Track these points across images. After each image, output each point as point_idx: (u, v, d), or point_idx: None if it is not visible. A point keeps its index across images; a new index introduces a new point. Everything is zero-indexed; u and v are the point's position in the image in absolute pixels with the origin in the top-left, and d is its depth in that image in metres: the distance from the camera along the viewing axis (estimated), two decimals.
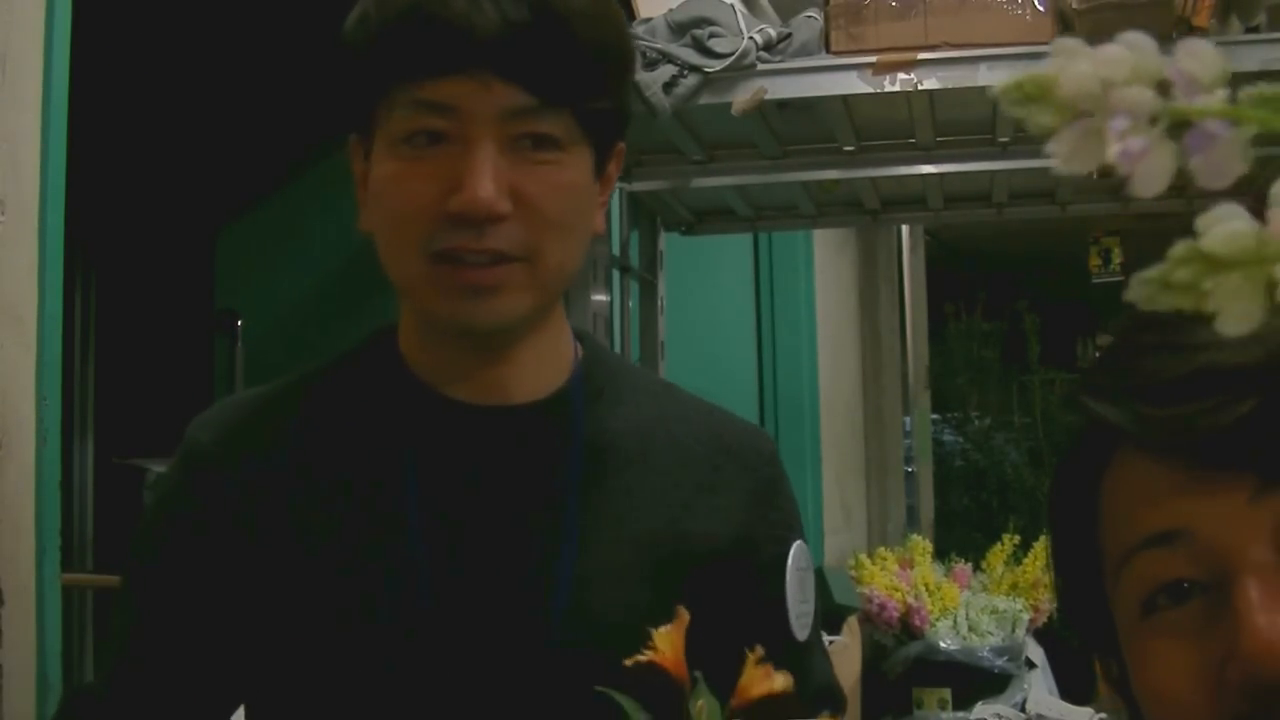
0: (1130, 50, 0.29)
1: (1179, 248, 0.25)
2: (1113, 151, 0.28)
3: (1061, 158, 0.29)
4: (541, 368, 0.97)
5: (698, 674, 0.74)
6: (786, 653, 0.99)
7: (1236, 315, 0.25)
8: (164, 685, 0.94)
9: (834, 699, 1.06)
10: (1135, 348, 0.60)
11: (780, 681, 0.79)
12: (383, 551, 0.91)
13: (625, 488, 0.97)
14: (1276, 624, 0.53)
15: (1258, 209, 0.27)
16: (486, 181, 0.85)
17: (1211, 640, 0.55)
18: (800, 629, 1.00)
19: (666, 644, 0.77)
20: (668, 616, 0.90)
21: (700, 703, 0.77)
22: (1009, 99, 0.29)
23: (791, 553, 1.01)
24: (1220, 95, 0.28)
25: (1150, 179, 0.28)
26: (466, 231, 0.86)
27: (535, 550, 0.93)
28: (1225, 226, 0.25)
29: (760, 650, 0.79)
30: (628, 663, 0.75)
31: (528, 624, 0.91)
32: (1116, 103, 0.28)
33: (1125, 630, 0.61)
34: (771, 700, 0.80)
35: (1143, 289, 0.26)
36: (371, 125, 0.91)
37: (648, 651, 0.77)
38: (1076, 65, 0.28)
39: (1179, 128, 0.28)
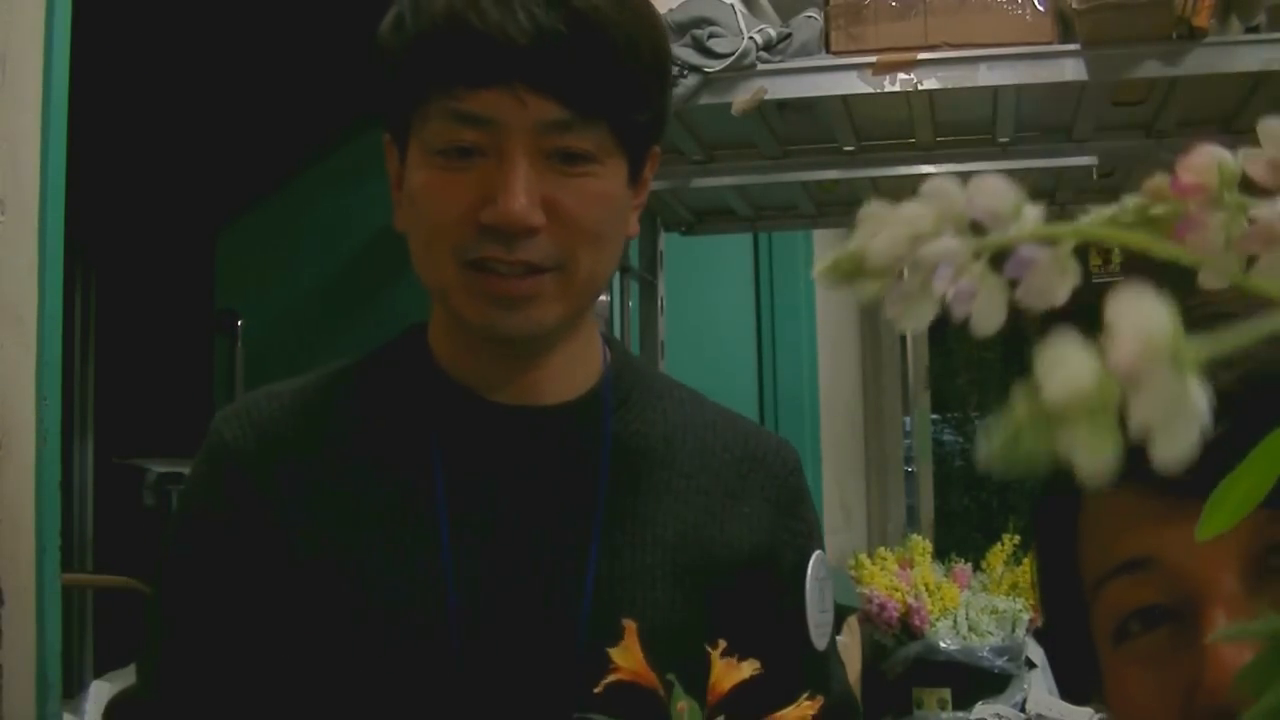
0: (930, 202, 0.29)
1: (1020, 404, 0.24)
2: (946, 298, 0.28)
3: (899, 320, 0.29)
4: (572, 371, 0.98)
5: (671, 677, 0.74)
6: (806, 661, 1.00)
7: (1093, 460, 0.24)
8: (207, 686, 0.94)
9: (850, 708, 1.07)
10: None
11: (747, 669, 0.80)
12: (410, 551, 0.91)
13: (652, 491, 0.97)
14: (1243, 655, 0.53)
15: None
16: (519, 195, 0.85)
17: (1180, 668, 0.55)
18: (819, 638, 1.01)
19: (624, 659, 0.77)
20: (691, 620, 0.90)
21: (681, 704, 0.77)
22: (829, 281, 0.30)
23: (812, 562, 1.01)
24: (1031, 216, 0.28)
25: (987, 316, 0.29)
26: (498, 243, 0.87)
27: (561, 551, 0.93)
28: (1060, 372, 0.24)
29: (723, 644, 0.80)
30: (596, 690, 0.76)
31: (553, 625, 0.91)
32: (926, 257, 0.28)
33: (1103, 657, 0.62)
34: (754, 691, 0.80)
35: (995, 455, 0.25)
36: (407, 130, 0.91)
37: (611, 674, 0.77)
38: (880, 234, 0.29)
39: (1000, 260, 0.29)
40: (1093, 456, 0.24)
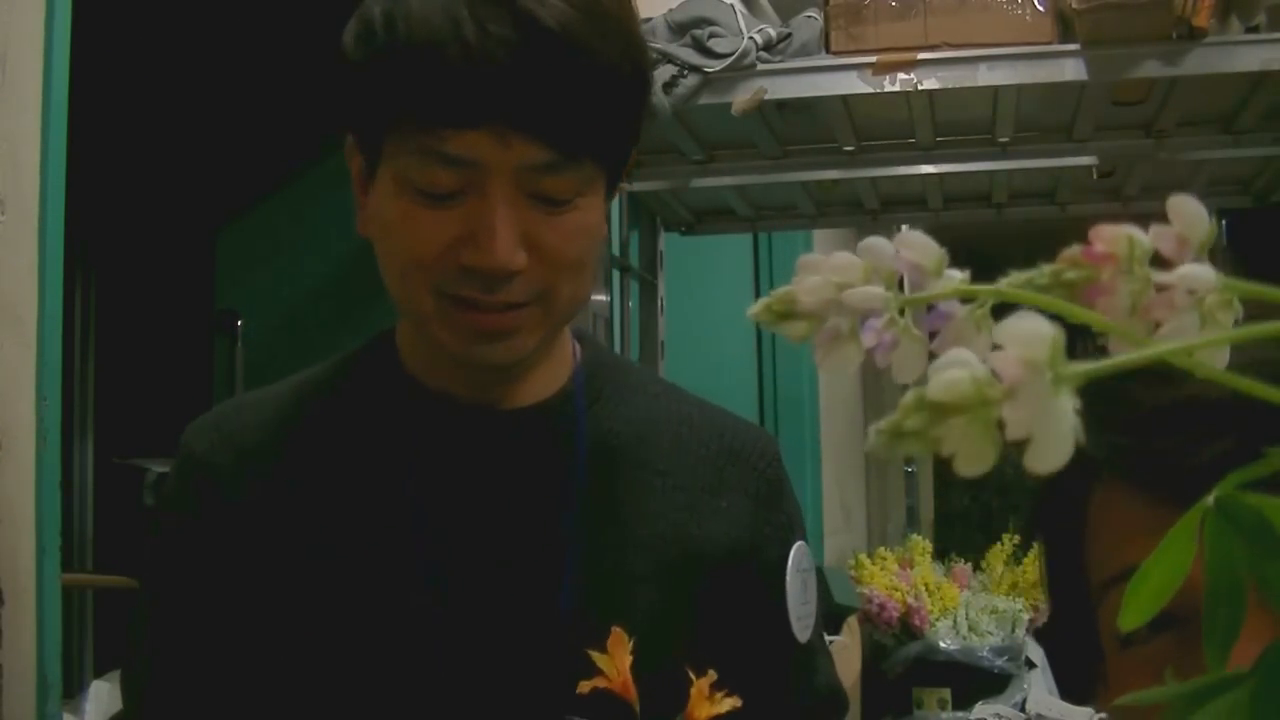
0: (864, 254, 0.31)
1: (909, 396, 0.27)
2: (868, 347, 0.31)
3: (823, 362, 0.32)
4: (545, 373, 0.97)
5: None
6: (788, 654, 0.99)
7: (969, 458, 0.26)
8: (188, 694, 0.94)
9: (837, 700, 1.05)
10: (1119, 374, 0.59)
11: (728, 704, 0.79)
12: (384, 556, 0.91)
13: (630, 490, 0.96)
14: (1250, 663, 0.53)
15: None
16: (503, 240, 0.83)
17: (1184, 676, 0.55)
18: (801, 630, 1.00)
19: (608, 666, 0.77)
20: (674, 620, 0.89)
21: None
22: (762, 321, 0.32)
23: (792, 554, 1.00)
24: (953, 276, 0.31)
25: (906, 366, 0.31)
26: (478, 284, 0.85)
27: (538, 554, 0.92)
28: (944, 375, 0.26)
29: (713, 675, 0.78)
30: (582, 689, 0.75)
31: (532, 628, 0.90)
32: (849, 303, 0.31)
33: (1109, 658, 0.61)
34: (735, 685, 0.80)
35: (877, 439, 0.27)
36: (377, 147, 0.88)
37: (597, 678, 0.77)
38: (809, 278, 0.31)
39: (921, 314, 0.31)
40: (966, 452, 0.26)
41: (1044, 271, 0.30)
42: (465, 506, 0.93)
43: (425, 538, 0.91)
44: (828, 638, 2.69)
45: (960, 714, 2.76)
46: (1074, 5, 1.79)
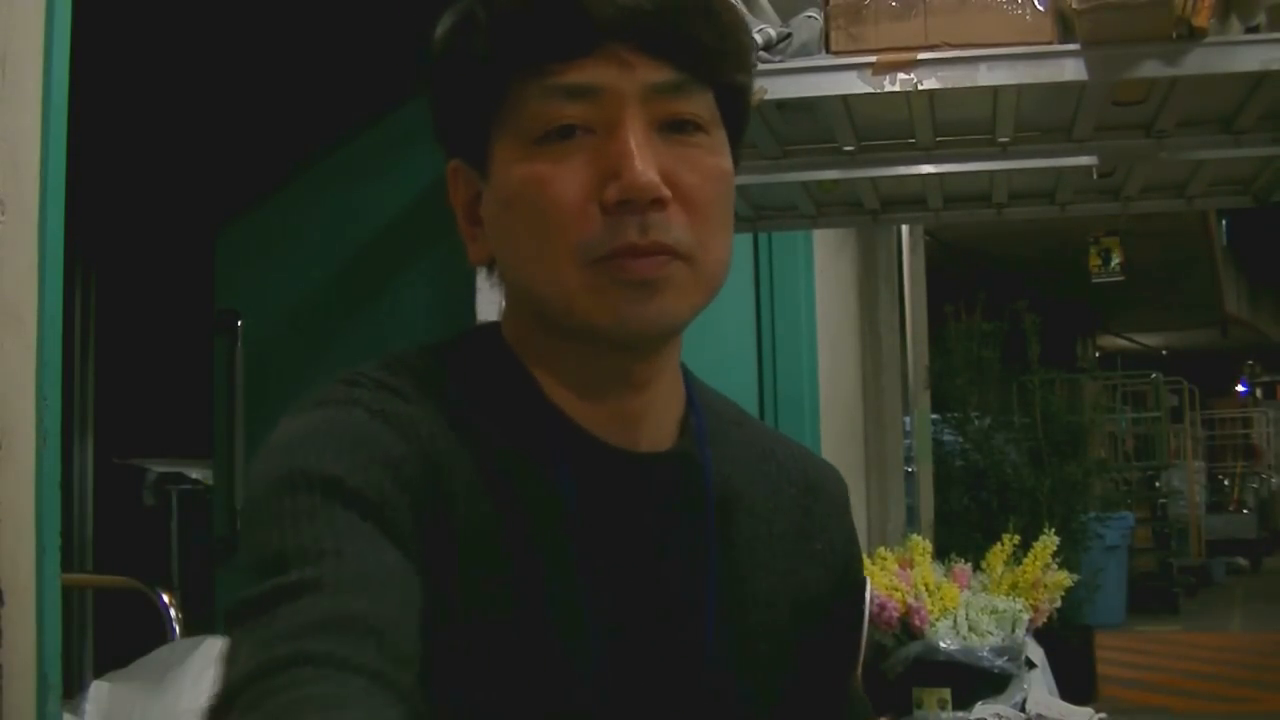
0: None
1: None
2: None
3: None
4: (669, 402, 0.92)
5: None
6: (852, 682, 1.04)
7: None
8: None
9: (866, 706, 1.09)
10: None
11: None
12: (550, 603, 0.82)
13: (746, 541, 0.92)
14: None
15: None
16: (645, 162, 0.78)
17: None
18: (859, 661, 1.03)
19: None
20: (783, 670, 0.91)
21: None
22: None
23: (868, 588, 1.02)
24: None
25: None
26: (629, 226, 0.79)
27: (686, 607, 0.88)
28: None
29: None
30: None
31: (683, 677, 0.87)
32: None
33: None
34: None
35: None
36: (485, 140, 0.83)
37: None
38: None
39: None
40: None
41: None
42: (621, 556, 0.86)
43: (589, 586, 0.84)
44: None
45: (960, 714, 2.76)
46: (1074, 5, 1.79)
